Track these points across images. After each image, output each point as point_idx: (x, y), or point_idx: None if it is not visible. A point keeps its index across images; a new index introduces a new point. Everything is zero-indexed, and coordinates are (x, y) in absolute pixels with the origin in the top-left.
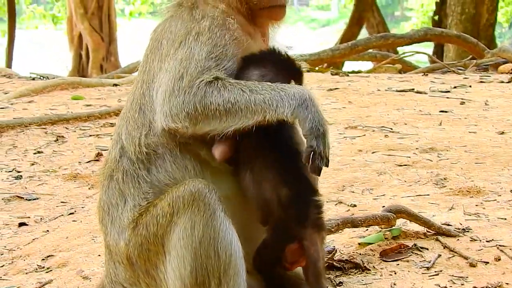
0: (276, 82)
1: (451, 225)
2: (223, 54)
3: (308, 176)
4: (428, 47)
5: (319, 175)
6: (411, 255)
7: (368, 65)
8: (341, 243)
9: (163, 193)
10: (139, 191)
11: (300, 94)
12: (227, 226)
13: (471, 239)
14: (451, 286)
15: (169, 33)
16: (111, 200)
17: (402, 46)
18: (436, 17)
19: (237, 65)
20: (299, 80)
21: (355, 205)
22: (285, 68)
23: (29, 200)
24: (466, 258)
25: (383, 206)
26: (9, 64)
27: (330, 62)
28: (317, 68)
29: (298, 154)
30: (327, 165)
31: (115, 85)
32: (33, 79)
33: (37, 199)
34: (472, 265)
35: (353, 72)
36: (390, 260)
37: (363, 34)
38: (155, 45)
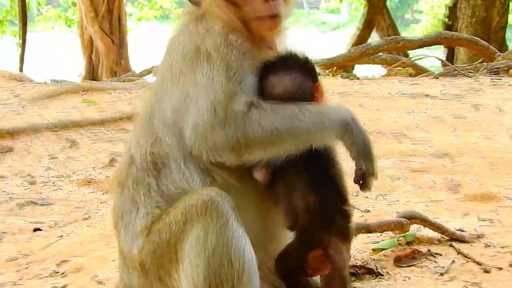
0: (305, 87)
1: (465, 231)
2: (239, 72)
3: (339, 184)
4: (439, 50)
5: (370, 191)
6: (425, 260)
7: (378, 68)
8: (355, 248)
9: (175, 201)
10: (150, 199)
11: (342, 118)
12: (240, 234)
13: (485, 245)
14: None
15: (178, 45)
16: (125, 206)
17: (413, 49)
18: (447, 20)
19: (258, 75)
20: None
21: (369, 211)
22: (309, 70)
23: (44, 205)
24: (480, 264)
25: (397, 212)
26: (21, 68)
27: (340, 65)
28: (327, 72)
29: (329, 161)
30: (376, 179)
31: (127, 88)
32: (46, 83)
33: (52, 204)
34: (486, 271)
35: (364, 76)
36: (403, 265)
37: (373, 36)
38: (167, 57)
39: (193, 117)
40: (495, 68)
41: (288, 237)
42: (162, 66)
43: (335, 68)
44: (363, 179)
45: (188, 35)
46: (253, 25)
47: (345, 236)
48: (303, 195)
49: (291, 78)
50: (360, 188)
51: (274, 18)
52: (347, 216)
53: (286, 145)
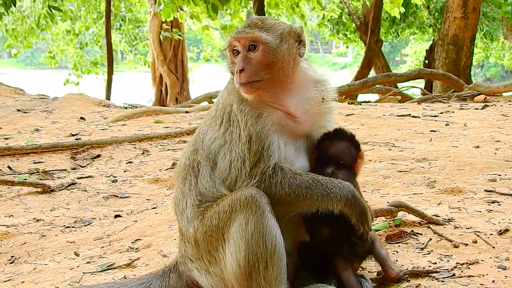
0: (351, 152)
1: (439, 216)
2: (260, 134)
3: (347, 221)
4: (420, 83)
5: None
6: (409, 239)
7: (375, 96)
8: None
9: (212, 197)
10: (191, 193)
11: (346, 194)
12: (272, 223)
13: (454, 226)
14: (439, 262)
15: (220, 97)
16: (178, 197)
17: (401, 82)
18: (427, 61)
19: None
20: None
21: (366, 201)
22: (355, 142)
23: (122, 198)
24: (450, 241)
25: (388, 202)
26: (108, 98)
27: (347, 94)
28: (337, 99)
29: None
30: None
31: (187, 112)
32: (126, 108)
33: (128, 197)
34: (455, 246)
35: (364, 102)
36: (393, 242)
37: (372, 74)
38: (215, 103)
39: (227, 157)
40: (463, 96)
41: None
42: (211, 108)
43: (344, 96)
44: (364, 236)
45: (221, 94)
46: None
47: (350, 260)
48: (319, 227)
49: (342, 144)
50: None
51: (245, 85)
52: (352, 245)
53: (298, 207)
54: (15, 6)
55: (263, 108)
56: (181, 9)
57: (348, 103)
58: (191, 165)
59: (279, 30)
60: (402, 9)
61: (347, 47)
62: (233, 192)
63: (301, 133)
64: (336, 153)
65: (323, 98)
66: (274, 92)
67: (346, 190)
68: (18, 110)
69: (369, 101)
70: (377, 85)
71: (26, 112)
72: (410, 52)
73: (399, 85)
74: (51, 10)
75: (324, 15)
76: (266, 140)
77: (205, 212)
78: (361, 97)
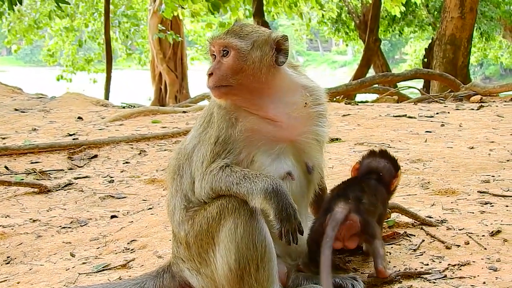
0: (390, 170)
1: (432, 218)
2: (227, 138)
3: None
4: (419, 83)
5: (291, 244)
6: (402, 240)
7: (374, 96)
8: None
9: (196, 200)
10: (177, 194)
11: (266, 187)
12: (262, 225)
13: (447, 228)
14: (431, 263)
15: (208, 103)
16: (169, 197)
17: (398, 82)
18: (426, 60)
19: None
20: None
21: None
22: (395, 163)
23: (119, 198)
24: (443, 242)
25: None
26: (106, 97)
27: (345, 94)
28: (334, 99)
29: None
30: (301, 234)
31: (184, 112)
32: (124, 107)
33: (125, 197)
34: (447, 248)
35: (361, 102)
36: (386, 244)
37: (371, 72)
38: (205, 108)
39: (197, 156)
40: (459, 96)
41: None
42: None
43: (341, 96)
44: (284, 236)
45: (208, 100)
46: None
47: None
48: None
49: (384, 162)
50: (285, 242)
51: (213, 89)
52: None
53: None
54: (21, 4)
55: (239, 113)
56: (182, 8)
57: (345, 103)
58: (177, 165)
59: (253, 37)
60: (403, 8)
61: (347, 45)
62: (221, 197)
63: (283, 137)
64: (377, 167)
65: (306, 103)
66: (250, 98)
67: (269, 184)
68: (16, 110)
69: (366, 101)
70: (375, 85)
71: (24, 112)
72: (409, 50)
73: (399, 85)
74: (58, 4)
75: (323, 14)
76: (232, 145)
77: (194, 217)
78: (359, 97)
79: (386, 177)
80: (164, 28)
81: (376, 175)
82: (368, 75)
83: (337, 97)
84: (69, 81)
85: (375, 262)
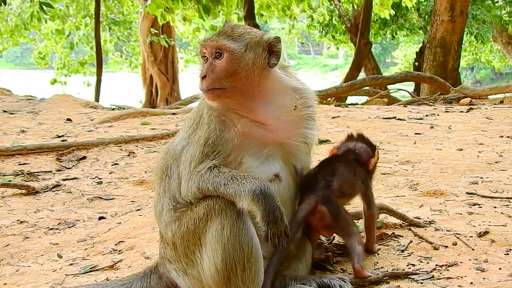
0: (367, 152)
1: (420, 219)
2: (216, 140)
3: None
4: (410, 86)
5: (279, 247)
6: (390, 241)
7: (364, 99)
8: None
9: (184, 200)
10: (167, 198)
11: (253, 189)
12: (248, 226)
13: (435, 229)
14: (419, 264)
15: (197, 105)
16: (156, 198)
17: (389, 84)
18: (417, 63)
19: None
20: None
21: (349, 203)
22: (372, 146)
23: (107, 199)
24: (431, 243)
25: None
26: (97, 99)
27: (335, 96)
28: (324, 102)
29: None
30: (288, 237)
31: (174, 114)
32: (113, 109)
33: (113, 199)
34: (435, 248)
35: (351, 104)
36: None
37: (362, 75)
38: (193, 110)
39: (185, 157)
40: (449, 99)
41: None
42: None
43: (333, 98)
44: (269, 239)
45: (203, 98)
46: None
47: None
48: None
49: (362, 145)
50: (271, 245)
51: (207, 92)
52: None
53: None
54: (5, 4)
55: (230, 115)
56: (167, 8)
57: (335, 106)
58: (165, 166)
59: (246, 39)
60: (392, 11)
61: (338, 48)
62: (208, 198)
63: (272, 140)
64: (356, 149)
65: (295, 106)
66: (242, 100)
67: (257, 185)
68: (4, 111)
69: (356, 104)
70: (365, 88)
71: (13, 113)
72: (400, 54)
73: (390, 87)
74: (42, 7)
75: (312, 18)
76: (221, 147)
77: (181, 217)
78: (350, 100)
79: (364, 156)
80: (156, 31)
81: (354, 155)
82: (358, 78)
83: (327, 99)
84: (63, 84)
85: (352, 261)
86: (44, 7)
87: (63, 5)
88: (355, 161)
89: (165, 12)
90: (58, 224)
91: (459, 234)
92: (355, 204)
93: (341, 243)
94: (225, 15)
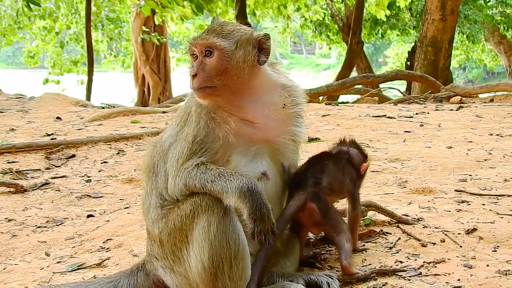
0: (359, 157)
1: (409, 216)
2: (205, 138)
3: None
4: (402, 85)
5: (265, 244)
6: (378, 238)
7: (355, 97)
8: None
9: (171, 198)
10: (154, 195)
11: (240, 186)
12: (235, 223)
13: (423, 226)
14: (407, 261)
15: (185, 102)
16: (144, 196)
17: (380, 83)
18: (409, 63)
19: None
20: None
21: (338, 201)
22: (363, 152)
23: (96, 197)
24: (419, 240)
25: None
26: (88, 98)
27: (327, 95)
28: (315, 100)
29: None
30: (274, 234)
31: (164, 112)
32: (103, 108)
33: (102, 197)
34: (423, 245)
35: (342, 103)
36: (362, 242)
37: (354, 74)
38: (180, 107)
39: (173, 154)
40: (439, 97)
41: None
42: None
43: (325, 96)
44: (256, 236)
45: (191, 93)
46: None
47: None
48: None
49: (354, 151)
50: (258, 243)
51: (197, 90)
52: None
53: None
54: None
55: (219, 113)
56: (162, 6)
57: (326, 104)
58: (152, 163)
59: (236, 36)
60: (388, 12)
61: (330, 48)
62: (193, 194)
63: (260, 138)
64: (348, 154)
65: (284, 104)
66: (231, 98)
67: (244, 183)
68: None
69: (347, 102)
70: (356, 86)
71: (2, 112)
72: (392, 53)
73: (382, 86)
74: (29, 5)
75: (305, 18)
76: (209, 145)
77: (168, 214)
78: (342, 98)
79: (355, 160)
80: (148, 30)
81: (347, 155)
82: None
83: (317, 98)
84: (57, 83)
85: (340, 258)
86: (31, 5)
87: (52, 4)
88: (346, 161)
89: (160, 11)
90: (46, 222)
91: (447, 231)
92: (343, 202)
93: (325, 237)
94: (220, 15)
